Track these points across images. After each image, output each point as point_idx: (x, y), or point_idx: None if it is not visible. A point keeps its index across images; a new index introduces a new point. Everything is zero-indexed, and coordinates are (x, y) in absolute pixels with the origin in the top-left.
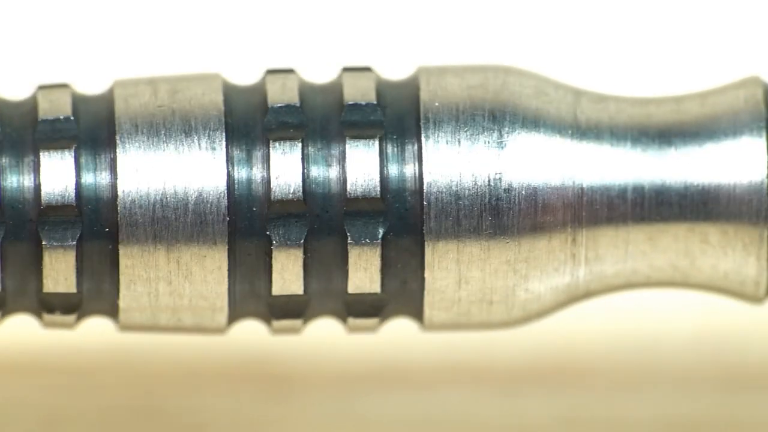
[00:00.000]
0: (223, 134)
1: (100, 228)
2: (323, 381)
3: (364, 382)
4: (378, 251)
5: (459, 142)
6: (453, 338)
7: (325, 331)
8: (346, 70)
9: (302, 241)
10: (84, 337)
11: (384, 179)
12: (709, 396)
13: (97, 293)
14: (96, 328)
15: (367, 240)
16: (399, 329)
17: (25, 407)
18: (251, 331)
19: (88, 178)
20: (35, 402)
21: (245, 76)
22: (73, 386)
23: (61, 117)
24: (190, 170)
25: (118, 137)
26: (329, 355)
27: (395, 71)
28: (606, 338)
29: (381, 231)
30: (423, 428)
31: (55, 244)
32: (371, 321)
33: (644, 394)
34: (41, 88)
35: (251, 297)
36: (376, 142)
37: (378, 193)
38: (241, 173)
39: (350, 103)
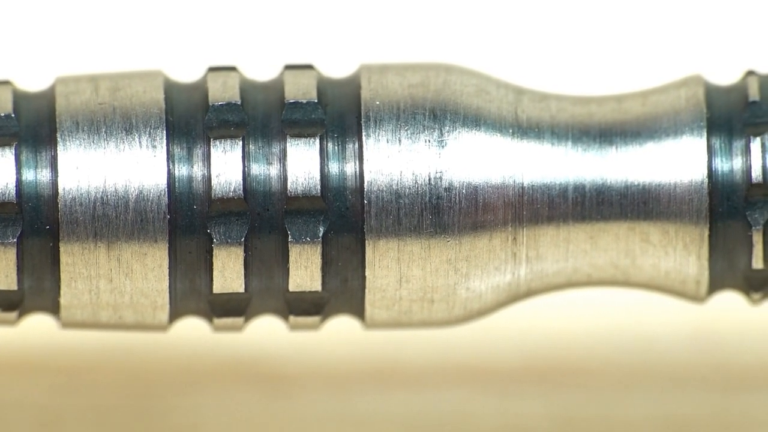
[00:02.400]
0: (164, 132)
1: (40, 225)
2: (318, 380)
3: (360, 382)
4: (318, 249)
5: (400, 140)
6: (449, 338)
7: (322, 331)
8: (287, 67)
9: (243, 239)
10: (80, 337)
11: (325, 178)
12: (705, 395)
13: (38, 291)
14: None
15: (308, 238)
16: (397, 330)
17: (21, 407)
18: (246, 330)
19: (28, 176)
20: (31, 402)
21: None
22: (70, 386)
23: (2, 114)
24: (131, 168)
25: (59, 135)
26: (324, 355)
27: (338, 68)
28: (601, 337)
29: (322, 229)
30: (419, 427)
31: None
32: (312, 319)
33: (640, 393)
34: None
35: (192, 295)
36: (317, 141)
37: (318, 191)
38: (181, 171)
39: (291, 101)
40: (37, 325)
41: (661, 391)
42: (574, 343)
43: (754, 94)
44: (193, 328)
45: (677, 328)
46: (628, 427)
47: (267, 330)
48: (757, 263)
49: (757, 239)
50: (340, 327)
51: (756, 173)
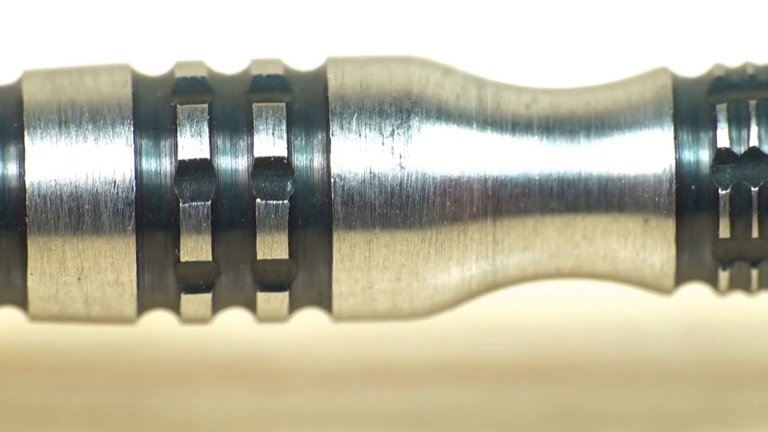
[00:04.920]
0: (131, 125)
1: (8, 219)
2: (313, 378)
3: (354, 379)
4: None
5: (366, 132)
6: (443, 334)
7: (314, 328)
8: (255, 60)
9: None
10: (75, 336)
11: (292, 169)
12: (699, 391)
13: (5, 284)
14: (87, 327)
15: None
16: (389, 326)
17: (17, 406)
18: (241, 328)
19: None
20: (27, 401)
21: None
22: (66, 385)
23: None
24: (99, 161)
25: (26, 128)
26: (319, 352)
27: (305, 62)
28: (595, 333)
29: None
30: (414, 424)
31: None
32: (281, 298)
33: (634, 389)
34: None
35: (160, 286)
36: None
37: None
38: (149, 164)
39: (257, 74)
40: (35, 324)
41: (655, 387)
42: (568, 340)
43: (719, 71)
44: (188, 327)
45: (671, 324)
46: (622, 423)
47: (262, 328)
48: (725, 232)
49: (724, 205)
50: (336, 324)
51: (722, 139)
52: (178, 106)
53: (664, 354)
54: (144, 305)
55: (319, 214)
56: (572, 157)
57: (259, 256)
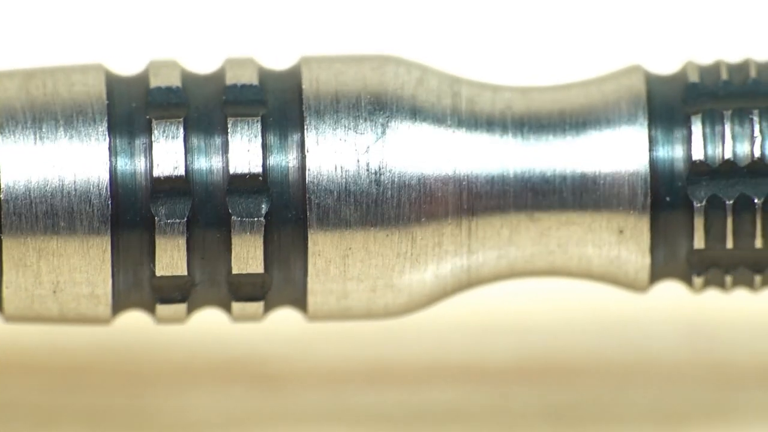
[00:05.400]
0: (106, 124)
1: None
2: (313, 378)
3: (354, 379)
4: (261, 242)
5: (341, 129)
6: (443, 335)
7: (314, 328)
8: (228, 59)
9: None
10: (75, 336)
11: (266, 169)
12: (699, 391)
13: None
14: (87, 328)
15: (251, 226)
16: (388, 327)
17: (17, 406)
18: (241, 328)
19: None
20: (25, 401)
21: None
22: (64, 386)
23: None
24: (73, 160)
25: (0, 127)
26: (319, 352)
27: (280, 62)
28: (596, 334)
29: (264, 222)
30: (413, 425)
31: None
32: (256, 306)
33: (634, 389)
34: None
35: (135, 285)
36: (258, 120)
37: (261, 178)
38: (123, 162)
39: (231, 84)
40: (34, 325)
41: (655, 387)
42: (568, 340)
43: (693, 78)
44: (187, 328)
45: (671, 324)
46: (622, 423)
47: (261, 329)
48: (699, 243)
49: (699, 218)
50: (335, 325)
51: (697, 151)
52: (153, 120)
53: (664, 354)
54: (119, 305)
55: (295, 229)
56: (547, 156)
57: (234, 271)
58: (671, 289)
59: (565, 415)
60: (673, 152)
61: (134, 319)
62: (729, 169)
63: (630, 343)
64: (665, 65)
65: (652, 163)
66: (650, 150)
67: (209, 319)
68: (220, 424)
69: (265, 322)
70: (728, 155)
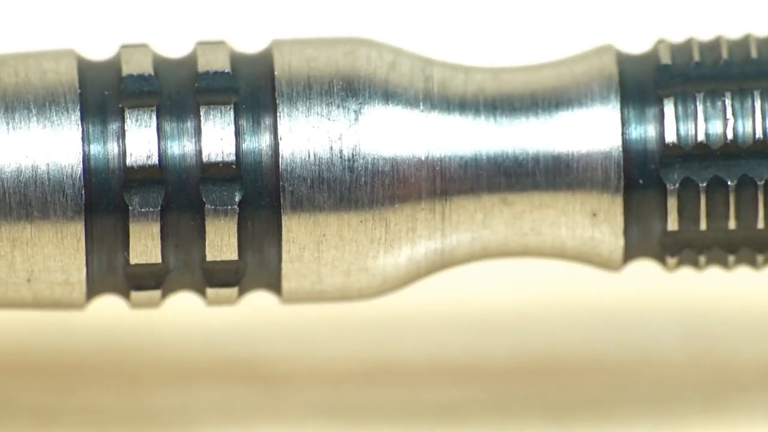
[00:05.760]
0: (78, 112)
1: None
2: (312, 378)
3: (354, 379)
4: (235, 216)
5: (314, 114)
6: (443, 334)
7: (314, 328)
8: (200, 43)
9: (159, 220)
10: (74, 336)
11: (240, 152)
12: (699, 391)
13: None
14: (86, 327)
15: (224, 214)
16: (388, 325)
17: (17, 406)
18: (241, 328)
19: None
20: (26, 401)
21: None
22: (64, 385)
23: None
24: (46, 145)
25: None
26: (319, 352)
27: (250, 45)
28: (596, 333)
29: (238, 204)
30: (413, 425)
31: None
32: (230, 291)
33: (634, 389)
34: None
35: (109, 270)
36: (231, 107)
37: (234, 166)
38: (96, 147)
39: (204, 71)
40: (34, 325)
41: (655, 387)
42: (568, 339)
43: (665, 58)
44: (187, 327)
45: (671, 324)
46: (622, 423)
47: (261, 328)
48: (673, 225)
49: (672, 200)
50: (335, 324)
51: (669, 134)
52: (126, 109)
53: (664, 353)
54: (93, 290)
55: (268, 216)
56: (520, 136)
57: (209, 258)
58: (671, 289)
59: (564, 414)
60: (645, 134)
61: (135, 319)
62: (702, 152)
63: (629, 341)
64: (637, 41)
65: (625, 145)
66: (623, 133)
67: (210, 320)
68: (220, 424)
69: (264, 321)
70: (701, 138)
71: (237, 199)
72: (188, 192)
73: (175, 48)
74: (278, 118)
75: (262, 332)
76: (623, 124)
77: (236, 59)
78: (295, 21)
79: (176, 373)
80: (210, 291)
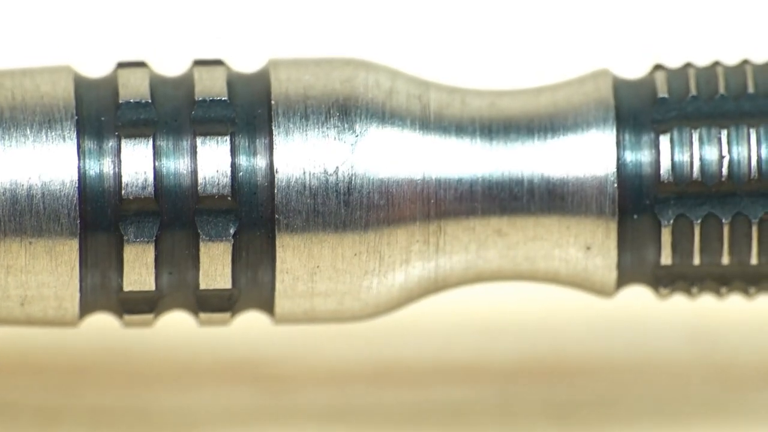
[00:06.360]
0: (74, 127)
1: None
2: (314, 379)
3: (356, 379)
4: (229, 247)
5: (310, 135)
6: (444, 335)
7: (315, 329)
8: (196, 63)
9: (154, 238)
10: (77, 336)
11: (235, 173)
12: (699, 391)
13: None
14: (89, 328)
15: (219, 236)
16: (390, 327)
17: (17, 407)
18: (242, 328)
19: None
20: (27, 402)
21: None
22: (65, 385)
23: None
24: (42, 163)
25: None
26: (320, 353)
27: (247, 63)
28: (597, 334)
29: (232, 226)
30: (414, 425)
31: None
32: (223, 315)
33: (635, 389)
34: None
35: (102, 291)
36: (227, 138)
37: (229, 188)
38: (92, 167)
39: (201, 99)
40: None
41: (655, 387)
42: (568, 340)
43: (662, 90)
44: (188, 327)
45: (672, 325)
46: (622, 423)
47: (262, 329)
48: (666, 259)
49: (666, 236)
50: (337, 325)
51: (665, 171)
52: (122, 138)
53: (665, 354)
54: (86, 308)
55: (263, 247)
56: (515, 159)
57: (202, 287)
58: None
59: (567, 415)
60: (641, 168)
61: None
62: (697, 190)
63: (632, 342)
64: (630, 68)
65: (620, 178)
66: (618, 165)
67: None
68: (220, 424)
69: (266, 322)
70: (696, 175)
71: (232, 230)
72: (183, 222)
73: (172, 52)
74: (274, 150)
75: (264, 333)
76: (619, 149)
77: (233, 83)
78: (292, 29)
79: (177, 373)
80: (203, 315)
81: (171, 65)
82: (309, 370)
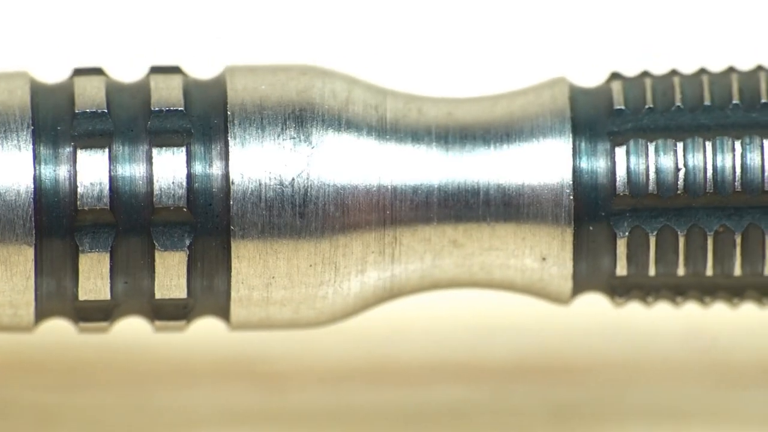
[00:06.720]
0: (30, 136)
1: None
2: (313, 378)
3: (355, 378)
4: (185, 257)
5: (266, 146)
6: (443, 334)
7: (315, 329)
8: (153, 70)
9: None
10: (77, 335)
11: (191, 184)
12: (699, 390)
13: None
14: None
15: (174, 247)
16: (388, 325)
17: (18, 406)
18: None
19: None
20: (28, 400)
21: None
22: (65, 385)
23: None
24: None
25: None
26: (319, 352)
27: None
28: (596, 333)
29: (188, 237)
30: (414, 424)
31: None
32: (179, 323)
33: (635, 389)
34: None
35: (58, 299)
36: (183, 149)
37: (185, 199)
38: (48, 176)
39: (157, 109)
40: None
41: (655, 386)
42: (568, 339)
43: (618, 101)
44: (190, 327)
45: (671, 324)
46: (622, 423)
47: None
48: (622, 270)
49: (622, 247)
50: (335, 325)
51: (621, 183)
52: (78, 149)
53: (664, 354)
54: (42, 314)
55: (219, 258)
56: (471, 166)
57: (157, 296)
58: None
59: (565, 414)
60: (597, 165)
61: (135, 318)
62: (653, 203)
63: (630, 341)
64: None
65: (576, 175)
66: (574, 163)
67: (210, 319)
68: (218, 422)
69: None
70: (652, 188)
71: (187, 241)
72: (139, 233)
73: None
74: (230, 161)
75: (263, 332)
76: (574, 168)
77: (189, 91)
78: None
79: (177, 372)
80: (158, 323)
81: (128, 66)
82: (306, 368)
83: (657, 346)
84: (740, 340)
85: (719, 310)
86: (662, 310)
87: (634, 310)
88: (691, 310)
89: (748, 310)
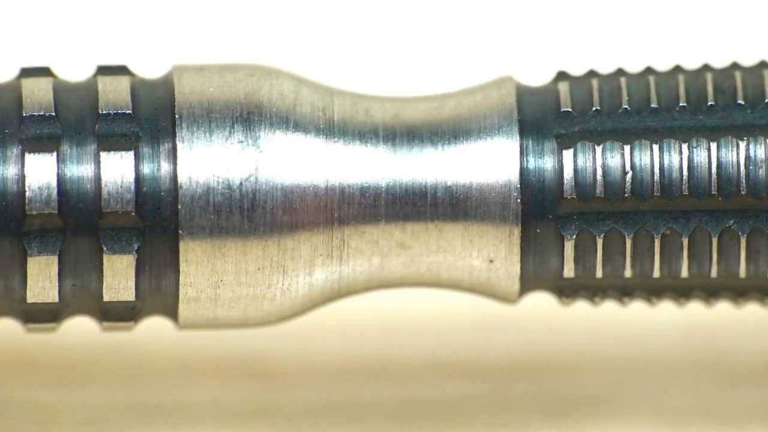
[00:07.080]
0: None
1: None
2: (311, 376)
3: (354, 377)
4: (133, 261)
5: (213, 142)
6: (443, 333)
7: (314, 327)
8: (100, 70)
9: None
10: (74, 334)
11: (139, 188)
12: (699, 390)
13: None
14: (85, 325)
15: (122, 250)
16: (387, 324)
17: (17, 405)
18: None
19: None
20: (26, 399)
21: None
22: (64, 384)
23: None
24: None
25: None
26: (319, 351)
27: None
28: (596, 332)
29: (136, 241)
30: (413, 423)
31: None
32: (127, 324)
33: (634, 388)
34: None
35: (6, 300)
36: (131, 152)
37: (133, 203)
38: None
39: (105, 112)
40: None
41: (654, 385)
42: (568, 339)
43: (565, 103)
44: None
45: (671, 323)
46: (622, 422)
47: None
48: (569, 272)
49: (569, 250)
50: (334, 322)
51: (568, 186)
52: (26, 153)
53: (664, 353)
54: None
55: (166, 261)
56: (418, 166)
57: (106, 299)
58: None
59: (561, 412)
60: (544, 164)
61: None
62: (600, 207)
63: (629, 340)
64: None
65: (523, 175)
66: (521, 162)
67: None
68: (216, 421)
69: None
70: (599, 192)
71: (135, 245)
72: (87, 237)
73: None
74: (178, 164)
75: (261, 330)
76: (522, 170)
77: (137, 93)
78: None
79: (175, 370)
80: (106, 324)
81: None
82: (304, 366)
83: (655, 344)
84: (738, 339)
85: (719, 310)
86: (661, 309)
87: (633, 308)
88: (691, 309)
89: (749, 310)
